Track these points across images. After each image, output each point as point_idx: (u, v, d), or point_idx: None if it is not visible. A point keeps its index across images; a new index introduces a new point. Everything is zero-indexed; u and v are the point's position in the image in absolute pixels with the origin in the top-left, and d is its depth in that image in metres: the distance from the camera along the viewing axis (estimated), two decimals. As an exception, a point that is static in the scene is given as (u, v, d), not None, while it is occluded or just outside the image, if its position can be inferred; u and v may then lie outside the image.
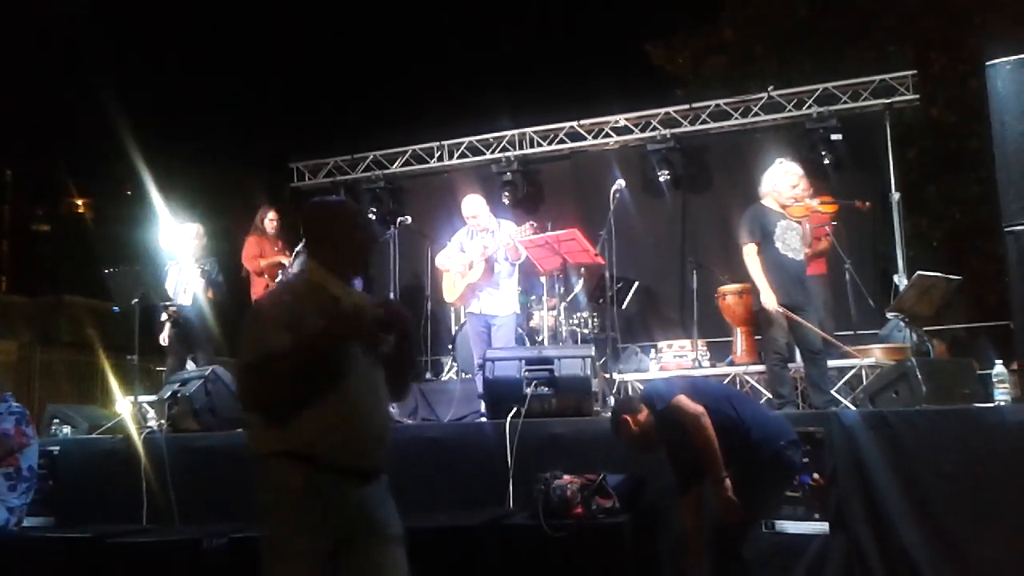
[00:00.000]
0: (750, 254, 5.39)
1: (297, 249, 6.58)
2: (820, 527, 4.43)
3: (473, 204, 6.65)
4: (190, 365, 6.98)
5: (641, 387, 4.15)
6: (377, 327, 2.58)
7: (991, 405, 4.81)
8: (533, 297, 7.65)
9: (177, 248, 7.30)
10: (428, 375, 8.08)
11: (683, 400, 3.80)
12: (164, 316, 7.00)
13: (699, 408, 3.76)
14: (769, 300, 5.28)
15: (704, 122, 8.87)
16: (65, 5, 16.58)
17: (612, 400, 6.38)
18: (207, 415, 5.82)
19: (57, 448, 5.85)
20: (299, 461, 2.51)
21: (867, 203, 6.99)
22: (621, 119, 9.12)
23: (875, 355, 6.19)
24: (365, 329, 2.55)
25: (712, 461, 3.70)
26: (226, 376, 6.10)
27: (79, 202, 21.99)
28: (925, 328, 6.35)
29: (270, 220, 8.01)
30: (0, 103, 16.56)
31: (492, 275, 6.47)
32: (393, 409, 6.26)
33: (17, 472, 5.16)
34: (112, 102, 14.38)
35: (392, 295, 7.01)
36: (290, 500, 2.52)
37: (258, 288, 7.70)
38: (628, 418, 3.99)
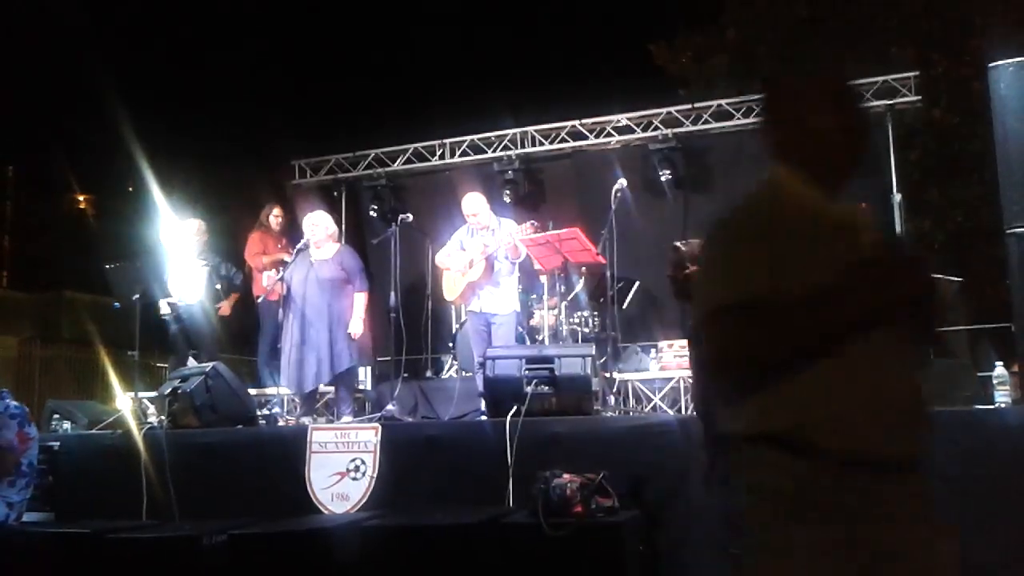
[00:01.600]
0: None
1: (299, 246, 6.57)
2: (819, 528, 4.42)
3: (473, 202, 6.65)
4: (191, 362, 6.98)
5: None
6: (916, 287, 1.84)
7: (992, 407, 4.81)
8: (534, 296, 7.64)
9: (178, 244, 7.30)
10: (428, 373, 8.10)
11: None
12: (163, 312, 7.00)
13: None
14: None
15: (706, 122, 8.85)
16: (67, 1, 16.59)
17: (612, 399, 6.39)
18: (208, 411, 5.81)
19: (57, 444, 5.83)
20: (789, 452, 1.76)
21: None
22: (623, 118, 9.09)
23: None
24: (916, 290, 1.82)
25: None
26: (227, 373, 6.10)
27: (81, 198, 22.00)
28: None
29: (275, 216, 8.02)
30: (2, 99, 16.58)
31: (492, 273, 6.47)
32: (392, 407, 6.28)
33: (17, 468, 5.16)
34: (114, 98, 14.41)
35: (393, 294, 7.00)
36: (782, 511, 1.75)
37: (259, 284, 7.70)
38: None
